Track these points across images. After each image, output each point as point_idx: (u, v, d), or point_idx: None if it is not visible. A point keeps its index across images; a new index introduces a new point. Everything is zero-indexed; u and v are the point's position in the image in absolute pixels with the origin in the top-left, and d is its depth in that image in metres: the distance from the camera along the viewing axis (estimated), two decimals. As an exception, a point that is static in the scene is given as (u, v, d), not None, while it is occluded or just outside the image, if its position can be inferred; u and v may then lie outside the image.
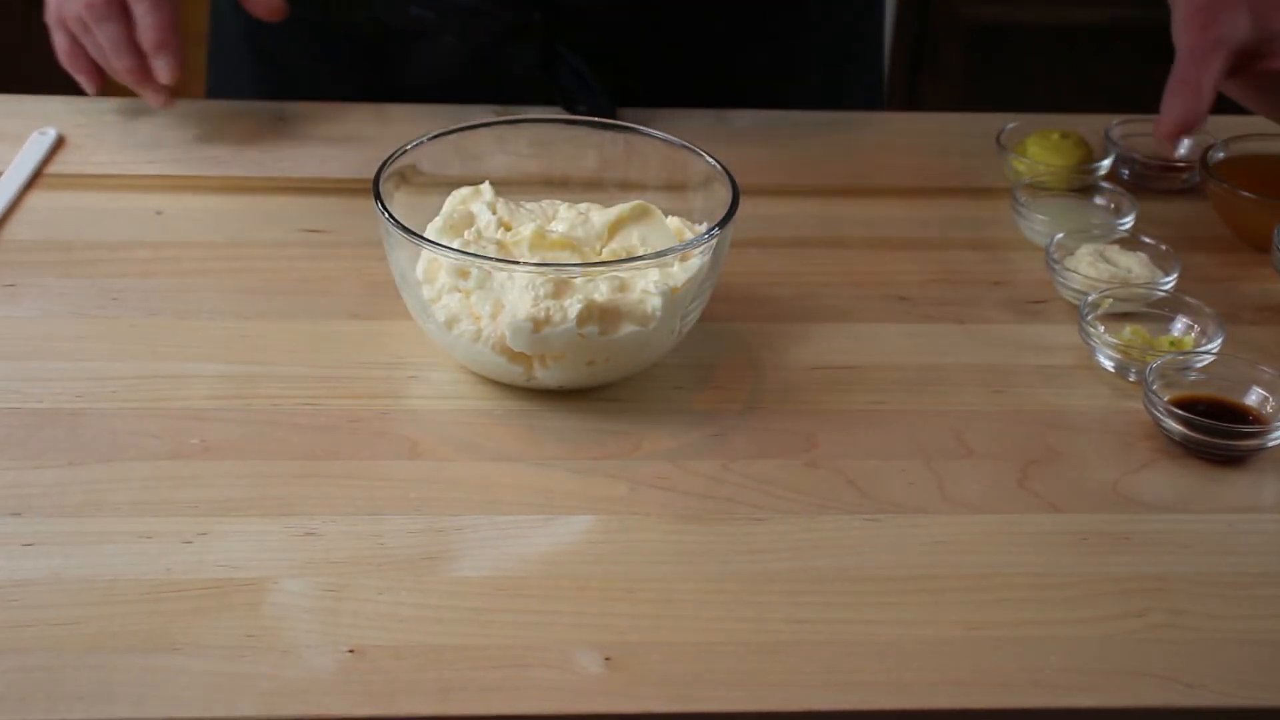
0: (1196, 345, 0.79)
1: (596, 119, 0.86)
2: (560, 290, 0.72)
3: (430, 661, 0.60)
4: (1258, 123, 0.97)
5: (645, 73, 1.04)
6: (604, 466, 0.71)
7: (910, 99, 2.14)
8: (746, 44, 1.06)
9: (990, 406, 0.77)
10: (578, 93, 1.01)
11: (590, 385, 0.76)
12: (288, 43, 1.07)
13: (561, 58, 1.02)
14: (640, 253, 0.77)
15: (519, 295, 0.72)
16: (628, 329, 0.73)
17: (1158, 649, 0.62)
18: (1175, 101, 0.86)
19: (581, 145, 0.85)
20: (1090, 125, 1.01)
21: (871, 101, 1.18)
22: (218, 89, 1.15)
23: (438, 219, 0.79)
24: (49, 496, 0.68)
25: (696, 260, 0.75)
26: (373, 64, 1.05)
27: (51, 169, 0.96)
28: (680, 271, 0.74)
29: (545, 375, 0.74)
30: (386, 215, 0.74)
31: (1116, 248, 0.87)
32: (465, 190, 0.81)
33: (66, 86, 1.02)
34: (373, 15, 1.03)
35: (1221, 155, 0.96)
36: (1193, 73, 0.86)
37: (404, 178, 0.80)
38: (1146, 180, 0.99)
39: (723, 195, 0.78)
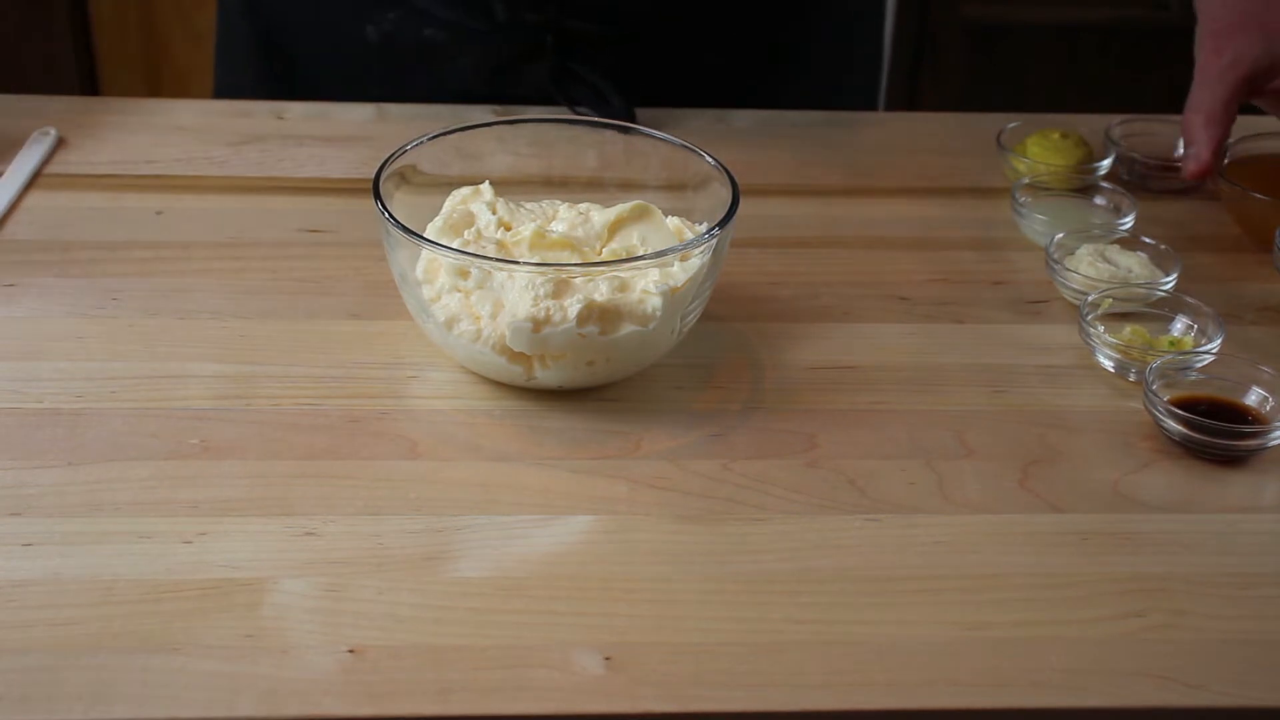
0: (1196, 345, 0.79)
1: (596, 119, 0.86)
2: (560, 290, 0.72)
3: (430, 661, 0.60)
4: (1267, 122, 0.97)
5: (657, 83, 1.04)
6: (604, 466, 0.71)
7: (910, 99, 2.14)
8: (750, 54, 1.06)
9: (990, 406, 0.77)
10: (594, 105, 1.01)
11: (590, 385, 0.76)
12: (301, 56, 1.07)
13: (575, 74, 1.02)
14: (640, 253, 0.77)
15: (519, 295, 0.72)
16: (628, 329, 0.73)
17: (1158, 649, 0.62)
18: (1195, 137, 0.90)
19: (581, 145, 0.85)
20: (1090, 125, 1.01)
21: (866, 107, 1.18)
22: (225, 91, 1.14)
23: (438, 219, 0.79)
24: (49, 496, 0.68)
25: (696, 260, 0.75)
26: (386, 80, 1.05)
27: (51, 169, 0.96)
28: (680, 271, 0.74)
29: (545, 375, 0.74)
30: (386, 215, 0.74)
31: (1116, 248, 0.87)
32: (465, 190, 0.82)
33: (66, 86, 1.02)
34: (385, 33, 1.03)
35: (1231, 156, 0.96)
36: (1205, 98, 0.88)
37: (404, 178, 0.80)
38: (1146, 180, 0.99)
39: (723, 195, 0.78)
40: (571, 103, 1.02)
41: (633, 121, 0.95)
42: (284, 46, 1.08)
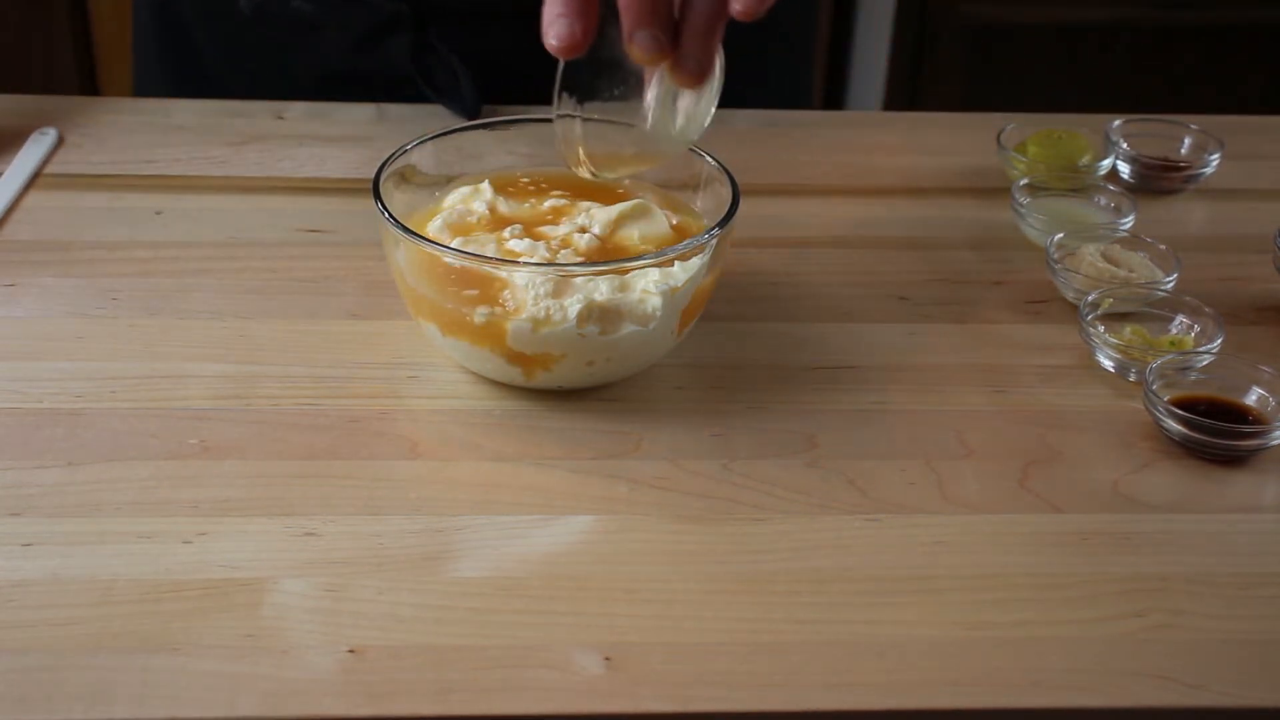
0: (1196, 345, 0.79)
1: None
2: (560, 290, 0.72)
3: (430, 661, 0.60)
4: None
5: (518, 68, 1.03)
6: (604, 466, 0.71)
7: (910, 99, 2.15)
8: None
9: (990, 406, 0.77)
10: (448, 87, 1.02)
11: (590, 385, 0.76)
12: (191, 26, 1.08)
13: (434, 51, 1.02)
14: (639, 252, 0.77)
15: (519, 295, 0.72)
16: (628, 329, 0.73)
17: (1158, 649, 0.62)
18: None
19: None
20: (1090, 125, 1.01)
21: (798, 102, 1.16)
22: (139, 74, 1.15)
23: (437, 218, 0.79)
24: (49, 496, 0.68)
25: (696, 260, 0.75)
26: (262, 51, 1.06)
27: (51, 169, 0.96)
28: (680, 271, 0.74)
29: (545, 375, 0.74)
30: (387, 215, 0.74)
31: (1117, 248, 0.87)
32: (465, 190, 0.82)
33: (66, 86, 1.02)
34: (256, 3, 1.04)
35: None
36: None
37: (404, 178, 0.80)
38: (1146, 180, 0.99)
39: (723, 195, 0.78)
40: (430, 86, 1.02)
41: (478, 115, 0.94)
42: (175, 24, 1.09)
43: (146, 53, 1.14)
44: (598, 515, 0.68)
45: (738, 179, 0.78)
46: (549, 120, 0.85)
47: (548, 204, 0.82)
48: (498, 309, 0.72)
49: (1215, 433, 0.72)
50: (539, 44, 1.03)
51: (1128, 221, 0.90)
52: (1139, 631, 0.63)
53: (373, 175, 0.77)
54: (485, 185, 0.82)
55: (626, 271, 0.73)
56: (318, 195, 0.95)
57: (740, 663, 0.60)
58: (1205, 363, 0.77)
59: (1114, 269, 0.85)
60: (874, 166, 1.01)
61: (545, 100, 1.00)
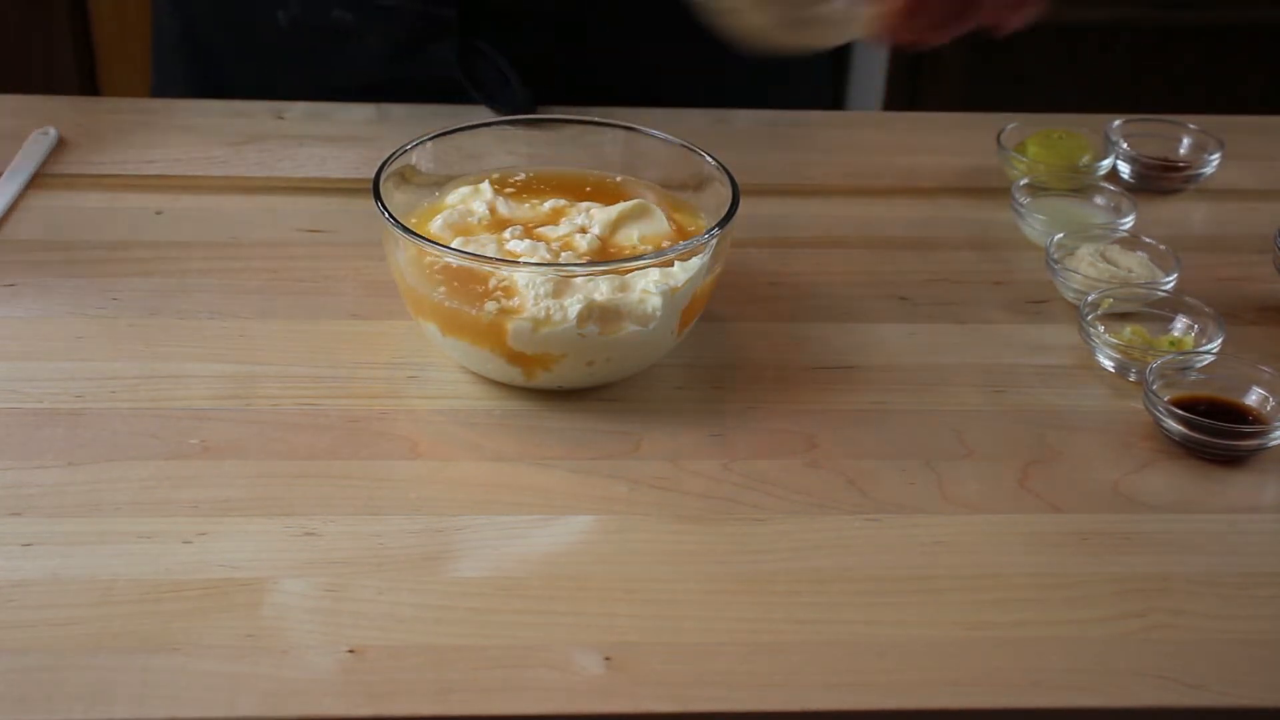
0: (1196, 345, 0.79)
1: (605, 120, 0.85)
2: (560, 290, 0.72)
3: (430, 661, 0.60)
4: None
5: (565, 70, 1.03)
6: (604, 466, 0.71)
7: (910, 99, 2.14)
8: (667, 43, 1.03)
9: (990, 406, 0.77)
10: (497, 90, 1.01)
11: (590, 385, 0.76)
12: (221, 42, 1.07)
13: (481, 54, 1.01)
14: (639, 252, 0.77)
15: (519, 295, 0.72)
16: (628, 329, 0.73)
17: (1158, 649, 0.62)
18: None
19: (581, 145, 0.85)
20: (1090, 125, 1.01)
21: (817, 100, 1.16)
22: (160, 87, 1.14)
23: (437, 218, 0.79)
24: (49, 496, 0.68)
25: (696, 260, 0.75)
26: (299, 63, 1.05)
27: (51, 169, 0.96)
28: (680, 271, 0.74)
29: (545, 375, 0.74)
30: (387, 215, 0.74)
31: (1116, 248, 0.87)
32: (465, 189, 0.82)
33: (66, 86, 1.02)
34: (294, 16, 1.03)
35: None
36: None
37: (404, 178, 0.80)
38: (1146, 180, 0.99)
39: (723, 195, 0.78)
40: (477, 88, 1.01)
41: (532, 113, 0.93)
42: (203, 41, 1.08)
43: (169, 69, 1.12)
44: (598, 515, 0.68)
45: (738, 179, 0.78)
46: (549, 120, 0.86)
47: (548, 205, 0.82)
48: (506, 302, 0.72)
49: (1215, 433, 0.72)
50: (584, 45, 1.03)
51: (1128, 221, 0.90)
52: (1139, 631, 0.63)
53: (373, 175, 0.77)
54: (485, 185, 0.82)
55: (626, 271, 0.73)
56: (318, 195, 0.95)
57: (740, 663, 0.60)
58: (1205, 363, 0.77)
59: (1114, 269, 0.85)
60: (874, 166, 1.01)
61: (591, 101, 1.00)
